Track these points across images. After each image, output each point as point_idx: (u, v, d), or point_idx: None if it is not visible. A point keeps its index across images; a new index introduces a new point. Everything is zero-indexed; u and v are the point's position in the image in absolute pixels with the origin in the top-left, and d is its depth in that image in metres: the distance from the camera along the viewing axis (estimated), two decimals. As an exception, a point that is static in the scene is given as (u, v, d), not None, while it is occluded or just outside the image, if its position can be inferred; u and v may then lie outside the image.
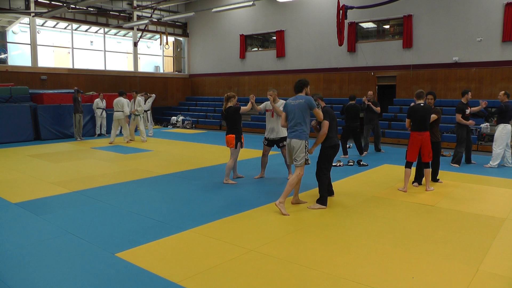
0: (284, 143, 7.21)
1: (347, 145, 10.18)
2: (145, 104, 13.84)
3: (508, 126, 8.34)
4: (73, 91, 13.67)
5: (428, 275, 3.50)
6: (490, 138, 9.55)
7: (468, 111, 8.56)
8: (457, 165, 8.70)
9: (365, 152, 10.29)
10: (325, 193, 5.57)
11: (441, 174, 7.19)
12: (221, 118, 7.17)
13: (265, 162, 7.45)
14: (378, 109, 10.28)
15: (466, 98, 8.63)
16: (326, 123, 5.47)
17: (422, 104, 6.35)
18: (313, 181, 6.17)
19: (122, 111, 12.20)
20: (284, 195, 5.21)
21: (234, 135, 6.93)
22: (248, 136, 14.30)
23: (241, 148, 7.09)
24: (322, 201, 5.53)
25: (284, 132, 7.10)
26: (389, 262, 3.75)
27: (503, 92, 8.55)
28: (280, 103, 6.72)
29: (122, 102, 12.18)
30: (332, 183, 6.94)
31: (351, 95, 10.23)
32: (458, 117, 8.50)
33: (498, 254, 3.99)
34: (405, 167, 6.48)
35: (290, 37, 17.55)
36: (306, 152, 5.23)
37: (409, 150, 6.44)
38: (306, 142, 5.25)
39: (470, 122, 8.57)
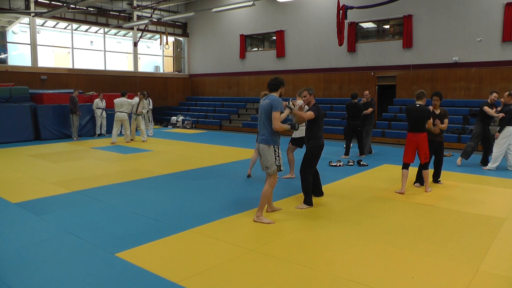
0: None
1: (350, 146, 10.10)
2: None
3: (510, 128, 8.04)
4: (72, 91, 13.73)
5: (428, 275, 3.50)
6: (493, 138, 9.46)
7: (493, 110, 8.39)
8: (461, 159, 8.73)
9: (365, 154, 10.18)
10: (309, 193, 5.49)
11: (442, 174, 7.16)
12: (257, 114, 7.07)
13: (291, 160, 7.37)
14: (368, 110, 10.12)
15: (490, 99, 8.57)
16: (310, 113, 5.36)
17: (418, 105, 6.29)
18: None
19: (126, 112, 12.21)
20: (260, 208, 4.88)
21: None
22: (248, 136, 14.31)
23: None
24: (307, 201, 5.49)
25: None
26: (389, 262, 3.75)
27: (507, 93, 8.31)
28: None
29: (128, 103, 12.21)
30: (332, 183, 6.99)
31: (352, 93, 10.18)
32: (486, 108, 8.39)
33: (498, 254, 3.99)
34: (402, 168, 6.43)
35: (290, 37, 17.55)
36: (276, 158, 4.78)
37: (405, 151, 6.40)
38: (275, 147, 4.79)
39: (500, 115, 8.21)
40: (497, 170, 8.22)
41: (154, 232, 4.51)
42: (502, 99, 8.47)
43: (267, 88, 4.98)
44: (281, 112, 4.72)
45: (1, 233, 4.54)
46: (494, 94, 8.62)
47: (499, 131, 8.21)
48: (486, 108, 8.44)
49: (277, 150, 4.80)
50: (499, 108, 8.50)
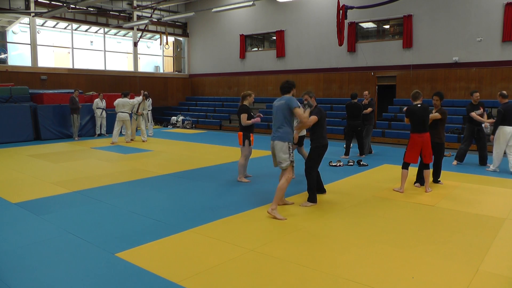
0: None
1: (350, 146, 10.08)
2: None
3: (505, 128, 7.94)
4: (73, 91, 13.74)
5: (428, 275, 3.50)
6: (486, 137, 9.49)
7: (479, 111, 8.49)
8: (456, 161, 8.80)
9: (365, 154, 10.15)
10: (314, 190, 5.66)
11: (441, 174, 7.16)
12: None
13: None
14: (367, 110, 10.07)
15: (473, 99, 8.64)
16: (314, 117, 5.54)
17: (419, 105, 6.28)
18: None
19: (127, 112, 12.20)
20: (276, 201, 5.09)
21: (242, 133, 7.00)
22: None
23: (250, 146, 7.05)
24: (311, 198, 5.64)
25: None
26: (389, 262, 3.75)
27: (498, 93, 8.33)
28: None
29: (129, 103, 12.20)
30: (332, 183, 7.00)
31: (352, 93, 10.18)
32: (473, 114, 8.52)
33: (498, 254, 3.99)
34: (402, 168, 6.41)
35: (290, 37, 17.55)
36: (290, 154, 5.06)
37: (409, 151, 6.34)
38: (290, 143, 5.06)
39: (488, 121, 8.39)
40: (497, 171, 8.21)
41: (154, 232, 4.51)
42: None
43: (280, 90, 5.30)
44: (299, 107, 5.08)
45: (1, 233, 4.54)
46: (476, 94, 8.72)
47: (493, 133, 8.21)
48: (473, 115, 8.54)
49: (291, 147, 5.08)
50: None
